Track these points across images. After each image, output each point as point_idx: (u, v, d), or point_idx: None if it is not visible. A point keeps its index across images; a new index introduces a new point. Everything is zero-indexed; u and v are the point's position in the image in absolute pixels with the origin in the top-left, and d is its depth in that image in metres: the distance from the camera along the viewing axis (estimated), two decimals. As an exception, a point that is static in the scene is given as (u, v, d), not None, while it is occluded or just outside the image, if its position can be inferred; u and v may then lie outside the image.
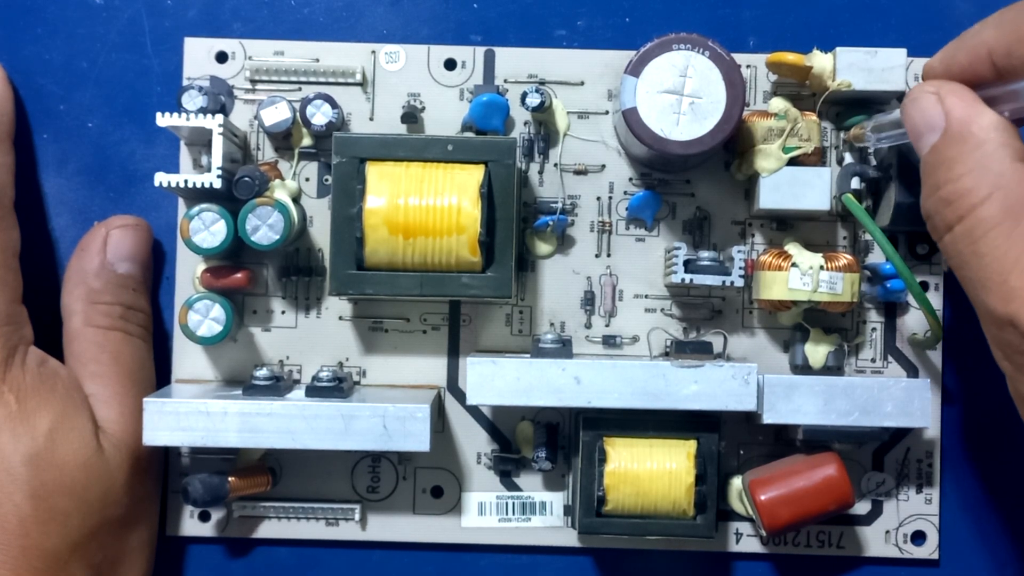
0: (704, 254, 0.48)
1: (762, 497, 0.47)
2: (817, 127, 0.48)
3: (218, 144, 0.47)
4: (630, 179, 0.50)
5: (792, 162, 0.48)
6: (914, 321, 0.50)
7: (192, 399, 0.46)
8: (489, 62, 0.50)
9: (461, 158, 0.46)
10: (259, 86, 0.50)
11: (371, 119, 0.50)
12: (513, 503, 0.50)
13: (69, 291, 0.48)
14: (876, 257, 0.50)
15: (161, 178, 0.46)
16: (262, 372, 0.48)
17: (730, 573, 0.51)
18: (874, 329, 0.50)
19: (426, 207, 0.45)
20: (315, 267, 0.50)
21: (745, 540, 0.51)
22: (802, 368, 0.49)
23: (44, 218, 0.51)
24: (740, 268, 0.47)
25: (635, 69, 0.45)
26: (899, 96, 0.49)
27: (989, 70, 0.38)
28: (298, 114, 0.49)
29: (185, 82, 0.50)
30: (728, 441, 0.50)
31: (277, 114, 0.49)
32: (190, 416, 0.45)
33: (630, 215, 0.50)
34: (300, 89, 0.50)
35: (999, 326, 0.36)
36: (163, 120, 0.47)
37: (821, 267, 0.47)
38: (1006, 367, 0.37)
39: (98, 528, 0.46)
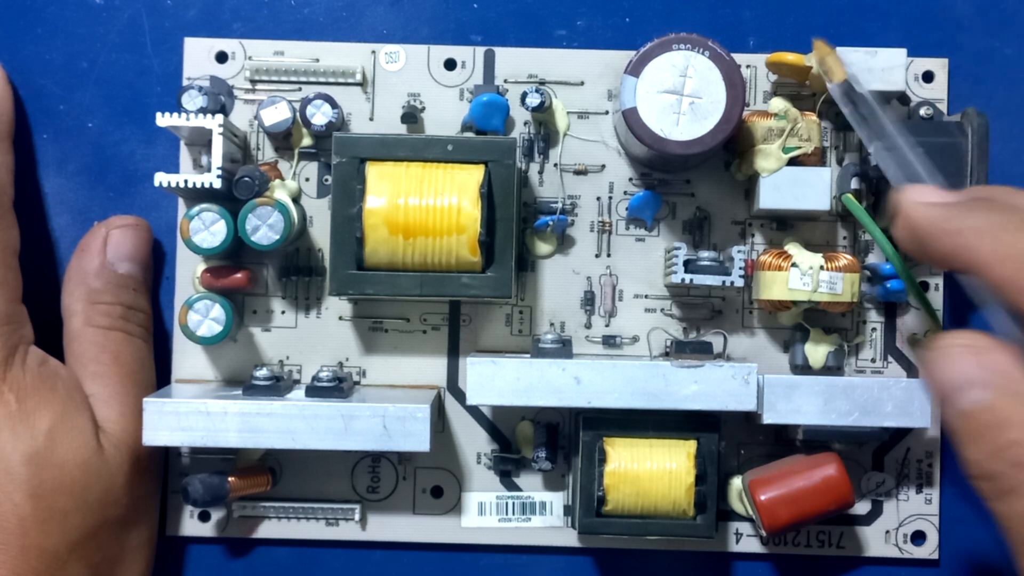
0: (704, 254, 0.48)
1: (762, 497, 0.47)
2: (817, 127, 0.48)
3: (218, 144, 0.47)
4: (630, 179, 0.50)
5: (792, 162, 0.48)
6: (914, 321, 0.50)
7: (192, 399, 0.46)
8: (489, 62, 0.50)
9: (461, 158, 0.46)
10: (259, 86, 0.50)
11: (371, 119, 0.50)
12: (513, 503, 0.50)
13: (69, 291, 0.48)
14: (876, 257, 0.50)
15: (161, 178, 0.46)
16: (262, 372, 0.48)
17: (730, 573, 0.51)
18: (874, 329, 0.50)
19: (426, 207, 0.45)
20: (315, 267, 0.50)
21: (745, 540, 0.51)
22: (802, 368, 0.49)
23: (44, 218, 0.51)
24: (740, 268, 0.47)
25: (635, 69, 0.45)
26: (900, 96, 0.49)
27: (966, 272, 0.37)
28: (298, 114, 0.49)
29: (185, 82, 0.50)
30: (728, 441, 0.50)
31: (277, 114, 0.49)
32: (190, 416, 0.45)
33: (630, 215, 0.50)
34: (300, 89, 0.50)
35: None
36: (163, 120, 0.47)
37: (821, 267, 0.47)
38: None
39: (98, 528, 0.46)
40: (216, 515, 0.50)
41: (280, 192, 0.48)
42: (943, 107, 0.50)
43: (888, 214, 0.43)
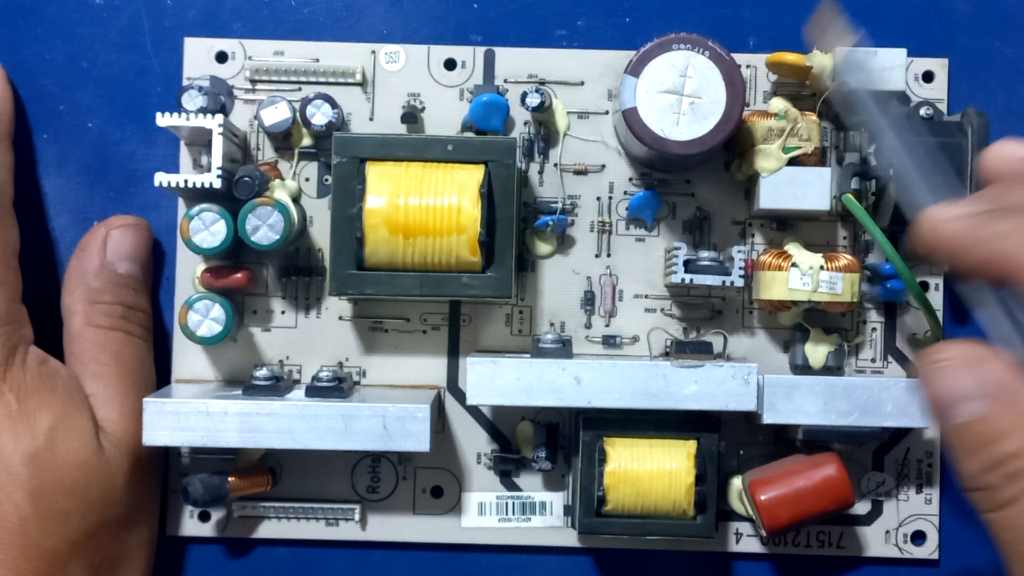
0: (704, 254, 0.48)
1: (762, 497, 0.47)
2: (817, 127, 0.48)
3: (218, 144, 0.47)
4: (630, 179, 0.50)
5: (792, 162, 0.48)
6: (914, 321, 0.50)
7: (192, 399, 0.46)
8: (489, 62, 0.50)
9: (461, 158, 0.46)
10: (259, 86, 0.50)
11: (371, 119, 0.50)
12: (513, 503, 0.50)
13: (69, 291, 0.48)
14: (876, 257, 0.50)
15: (161, 178, 0.46)
16: (262, 372, 0.48)
17: (730, 573, 0.51)
18: (874, 329, 0.50)
19: (426, 207, 0.45)
20: (315, 267, 0.50)
21: (745, 540, 0.51)
22: (802, 368, 0.49)
23: (44, 218, 0.51)
24: (740, 268, 0.47)
25: (635, 69, 0.45)
26: (900, 96, 0.49)
27: (1003, 280, 0.37)
28: (298, 114, 0.49)
29: (185, 82, 0.50)
30: (728, 441, 0.50)
31: (277, 114, 0.49)
32: (190, 416, 0.45)
33: (630, 215, 0.50)
34: (300, 89, 0.50)
35: None
36: (163, 120, 0.47)
37: (821, 267, 0.47)
38: None
39: (98, 528, 0.46)
40: (216, 515, 0.50)
41: (280, 192, 0.48)
42: (943, 107, 0.50)
43: (908, 240, 0.43)
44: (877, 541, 0.50)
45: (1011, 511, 0.34)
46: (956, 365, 0.36)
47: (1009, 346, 0.37)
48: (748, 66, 0.50)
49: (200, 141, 0.50)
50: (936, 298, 0.50)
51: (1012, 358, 0.36)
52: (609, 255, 0.50)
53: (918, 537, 0.50)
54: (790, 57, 0.48)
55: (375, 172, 0.46)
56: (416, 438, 0.46)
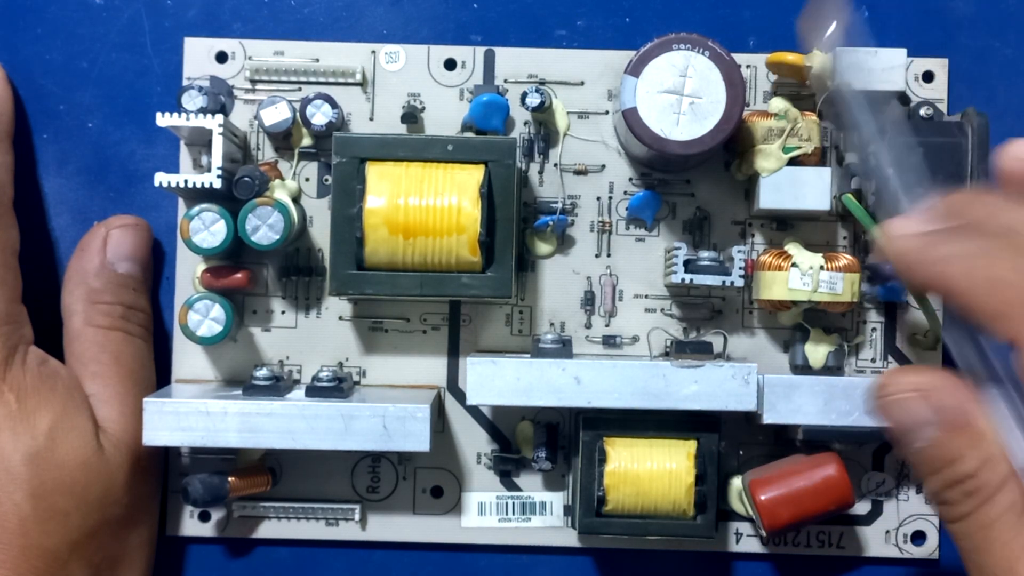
0: (704, 254, 0.48)
1: (762, 497, 0.47)
2: (817, 127, 0.48)
3: (218, 144, 0.47)
4: (630, 179, 0.50)
5: (792, 162, 0.48)
6: (914, 321, 0.50)
7: (192, 399, 0.46)
8: (489, 62, 0.50)
9: (461, 158, 0.46)
10: (259, 86, 0.50)
11: (371, 119, 0.50)
12: (513, 503, 0.50)
13: (69, 291, 0.48)
14: (876, 257, 0.50)
15: (161, 178, 0.46)
16: (262, 372, 0.48)
17: (730, 573, 0.51)
18: (874, 329, 0.50)
19: (426, 207, 0.45)
20: (315, 267, 0.50)
21: (745, 540, 0.51)
22: (802, 368, 0.49)
23: (44, 218, 0.51)
24: (740, 268, 0.47)
25: (635, 69, 0.45)
26: (900, 96, 0.49)
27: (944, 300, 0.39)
28: (298, 114, 0.49)
29: (185, 82, 0.50)
30: (728, 441, 0.50)
31: (277, 114, 0.49)
32: (190, 416, 0.45)
33: (630, 215, 0.50)
34: (300, 89, 0.50)
35: None
36: (163, 120, 0.47)
37: (821, 267, 0.47)
38: None
39: (98, 528, 0.46)
40: (216, 515, 0.50)
41: (280, 192, 0.48)
42: (943, 107, 0.50)
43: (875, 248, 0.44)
44: (877, 541, 0.50)
45: (970, 523, 0.37)
46: (912, 396, 0.38)
47: (966, 365, 0.38)
48: (748, 66, 0.50)
49: (200, 141, 0.50)
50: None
51: (967, 377, 0.38)
52: (609, 255, 0.50)
53: (918, 537, 0.50)
54: (790, 57, 0.48)
55: (375, 172, 0.46)
56: (416, 438, 0.46)
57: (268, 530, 0.50)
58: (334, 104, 0.49)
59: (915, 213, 0.40)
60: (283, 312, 0.50)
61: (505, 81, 0.50)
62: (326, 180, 0.50)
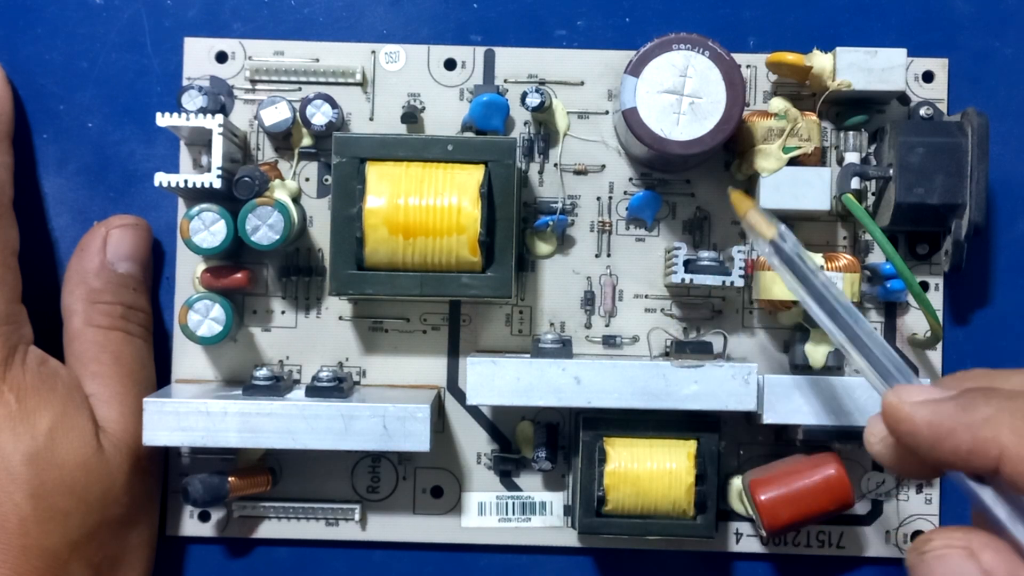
0: (704, 254, 0.48)
1: (762, 497, 0.47)
2: (817, 127, 0.48)
3: (218, 144, 0.47)
4: (630, 179, 0.50)
5: (792, 162, 0.48)
6: (914, 321, 0.50)
7: (192, 399, 0.46)
8: (489, 62, 0.50)
9: (461, 158, 0.46)
10: (259, 86, 0.50)
11: (371, 119, 0.50)
12: (513, 503, 0.50)
13: (69, 291, 0.48)
14: (876, 257, 0.50)
15: (161, 178, 0.46)
16: (262, 372, 0.48)
17: (730, 573, 0.51)
18: (874, 329, 0.50)
19: (426, 207, 0.45)
20: (315, 267, 0.50)
21: (745, 540, 0.51)
22: (802, 368, 0.49)
23: (44, 218, 0.51)
24: (740, 268, 0.47)
25: (635, 69, 0.45)
26: (899, 96, 0.49)
27: (989, 469, 0.35)
28: (298, 114, 0.49)
29: (185, 82, 0.50)
30: (728, 441, 0.50)
31: (277, 114, 0.49)
32: (190, 416, 0.45)
33: (630, 215, 0.50)
34: (300, 89, 0.50)
35: None
36: (163, 120, 0.47)
37: (821, 267, 0.47)
38: None
39: (98, 528, 0.46)
40: (216, 515, 0.50)
41: (280, 192, 0.48)
42: (943, 107, 0.50)
43: (866, 436, 0.38)
44: (877, 541, 0.50)
45: None
46: (958, 554, 0.35)
47: (1003, 529, 0.36)
48: (748, 66, 0.50)
49: (200, 141, 0.50)
50: (936, 298, 0.50)
51: (1010, 543, 0.35)
52: (609, 255, 0.50)
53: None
54: (790, 57, 0.48)
55: (375, 172, 0.46)
56: (416, 438, 0.46)
57: (268, 530, 0.50)
58: (334, 104, 0.49)
59: (913, 385, 0.37)
60: (283, 312, 0.50)
61: (505, 81, 0.50)
62: (326, 180, 0.50)
